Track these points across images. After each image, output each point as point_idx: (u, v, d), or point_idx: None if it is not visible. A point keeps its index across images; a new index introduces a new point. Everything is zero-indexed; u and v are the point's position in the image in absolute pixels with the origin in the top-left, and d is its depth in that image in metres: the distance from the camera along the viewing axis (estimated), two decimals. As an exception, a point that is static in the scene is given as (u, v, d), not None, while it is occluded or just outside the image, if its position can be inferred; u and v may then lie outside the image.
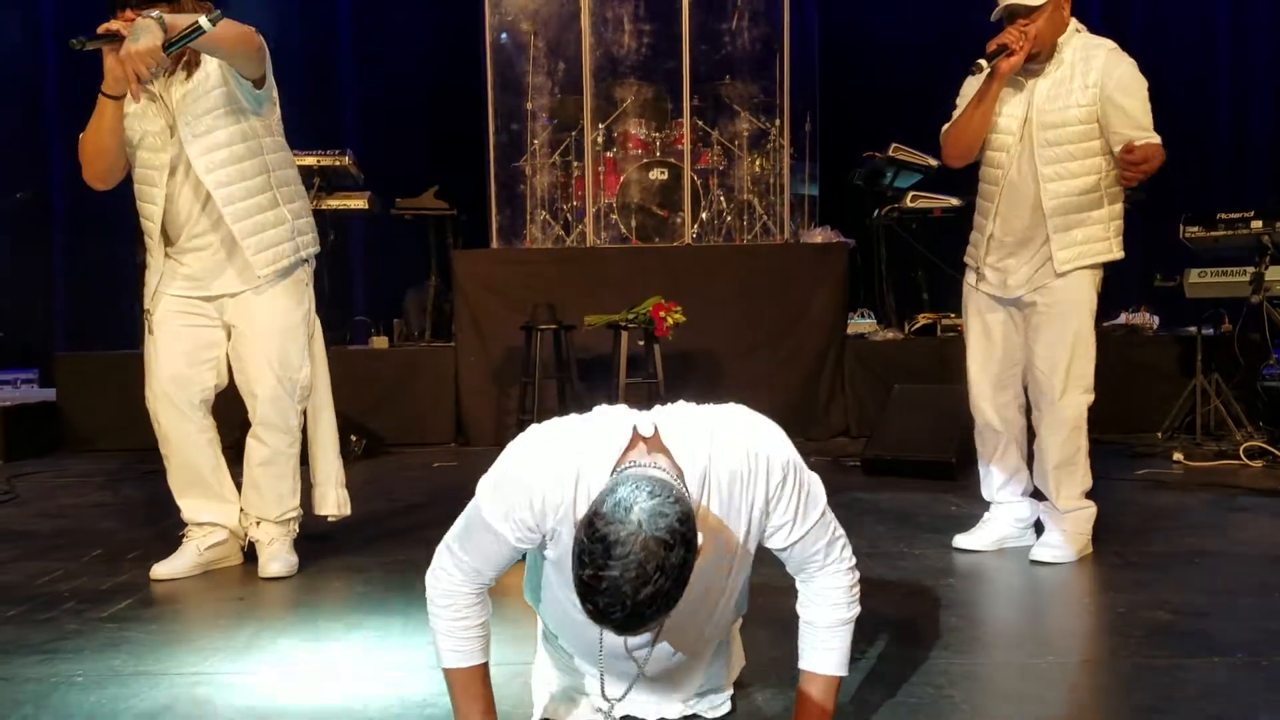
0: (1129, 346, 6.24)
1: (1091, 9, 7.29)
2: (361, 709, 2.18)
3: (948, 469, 4.73)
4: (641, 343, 5.78)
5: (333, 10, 8.20)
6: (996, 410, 3.39)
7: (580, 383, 5.90)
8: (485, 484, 1.79)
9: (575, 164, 6.82)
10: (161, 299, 3.20)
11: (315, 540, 3.51)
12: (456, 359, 6.28)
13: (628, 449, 1.69)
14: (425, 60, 8.01)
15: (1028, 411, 3.43)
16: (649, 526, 1.47)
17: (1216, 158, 7.87)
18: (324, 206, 6.43)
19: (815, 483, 1.84)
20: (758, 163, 6.91)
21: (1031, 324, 3.29)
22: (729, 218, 6.83)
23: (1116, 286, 3.36)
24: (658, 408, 1.86)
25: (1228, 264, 5.60)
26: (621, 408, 1.82)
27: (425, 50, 8.02)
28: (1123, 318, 6.58)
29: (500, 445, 6.06)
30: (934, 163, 6.51)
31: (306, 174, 6.11)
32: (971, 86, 3.35)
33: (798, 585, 1.87)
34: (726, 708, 2.11)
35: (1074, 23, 3.24)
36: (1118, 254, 3.27)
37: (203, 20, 2.67)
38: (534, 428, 1.81)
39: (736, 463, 1.73)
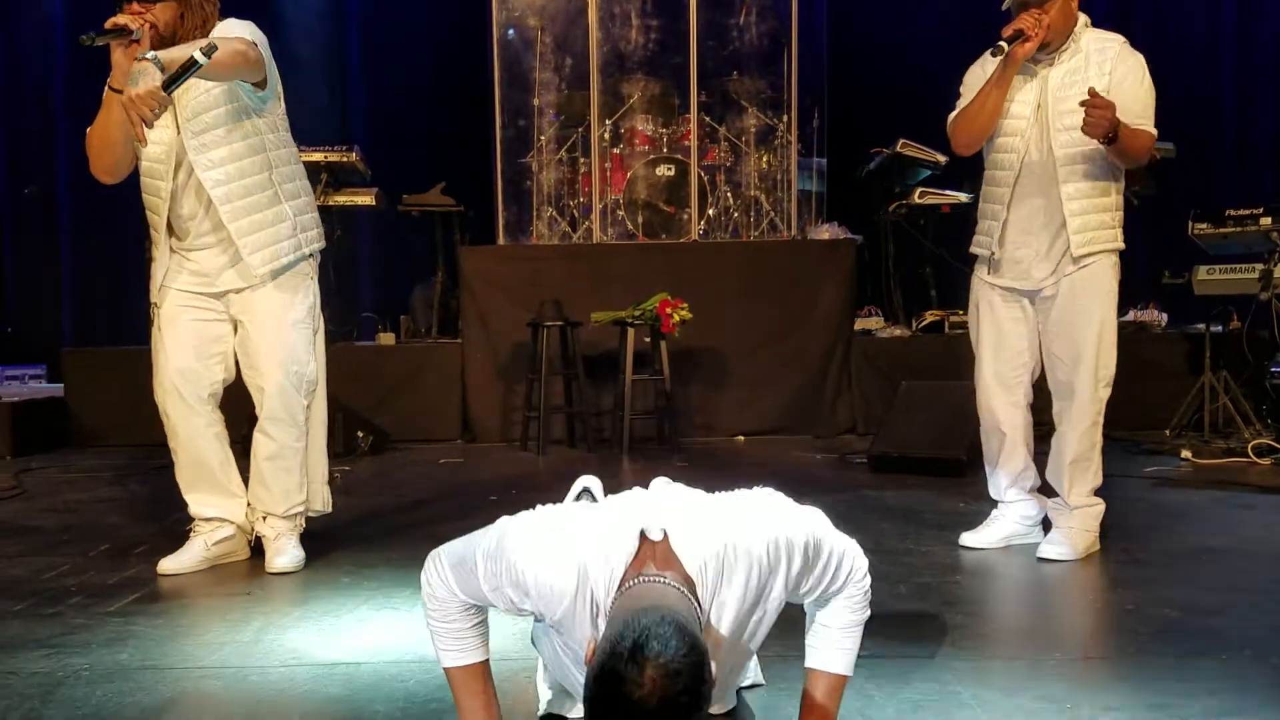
0: (1137, 343, 6.22)
1: (1097, 5, 7.26)
2: (367, 704, 2.18)
3: (955, 466, 4.72)
4: (648, 339, 5.78)
5: (341, 6, 8.21)
6: (1005, 410, 3.37)
7: (586, 379, 5.91)
8: (482, 550, 1.76)
9: (582, 160, 6.81)
10: (168, 293, 3.20)
11: (322, 536, 3.51)
12: (463, 355, 6.28)
13: (635, 558, 1.66)
14: (432, 56, 8.01)
15: (1033, 410, 3.42)
16: (662, 684, 1.44)
17: (1223, 155, 7.85)
18: (331, 202, 6.44)
19: (837, 548, 1.79)
20: (765, 159, 6.90)
21: (1052, 316, 3.27)
22: (736, 214, 6.82)
23: (1125, 283, 3.35)
24: (669, 497, 1.81)
25: (1236, 261, 5.59)
26: (631, 503, 1.76)
27: (432, 46, 8.02)
28: (1131, 315, 6.56)
29: (506, 442, 6.09)
30: (942, 159, 6.50)
31: (313, 170, 6.10)
32: (975, 75, 3.35)
33: None
34: (733, 700, 2.11)
35: (1083, 17, 3.25)
36: (1121, 244, 3.28)
37: (197, 54, 2.70)
38: (539, 516, 1.77)
39: (755, 564, 1.69)
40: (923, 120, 5.67)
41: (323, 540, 3.49)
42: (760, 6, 7.02)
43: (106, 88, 2.98)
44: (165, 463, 3.36)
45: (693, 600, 1.62)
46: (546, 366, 5.72)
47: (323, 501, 3.44)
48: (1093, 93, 3.05)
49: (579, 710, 2.07)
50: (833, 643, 1.82)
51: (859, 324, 6.46)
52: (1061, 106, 3.19)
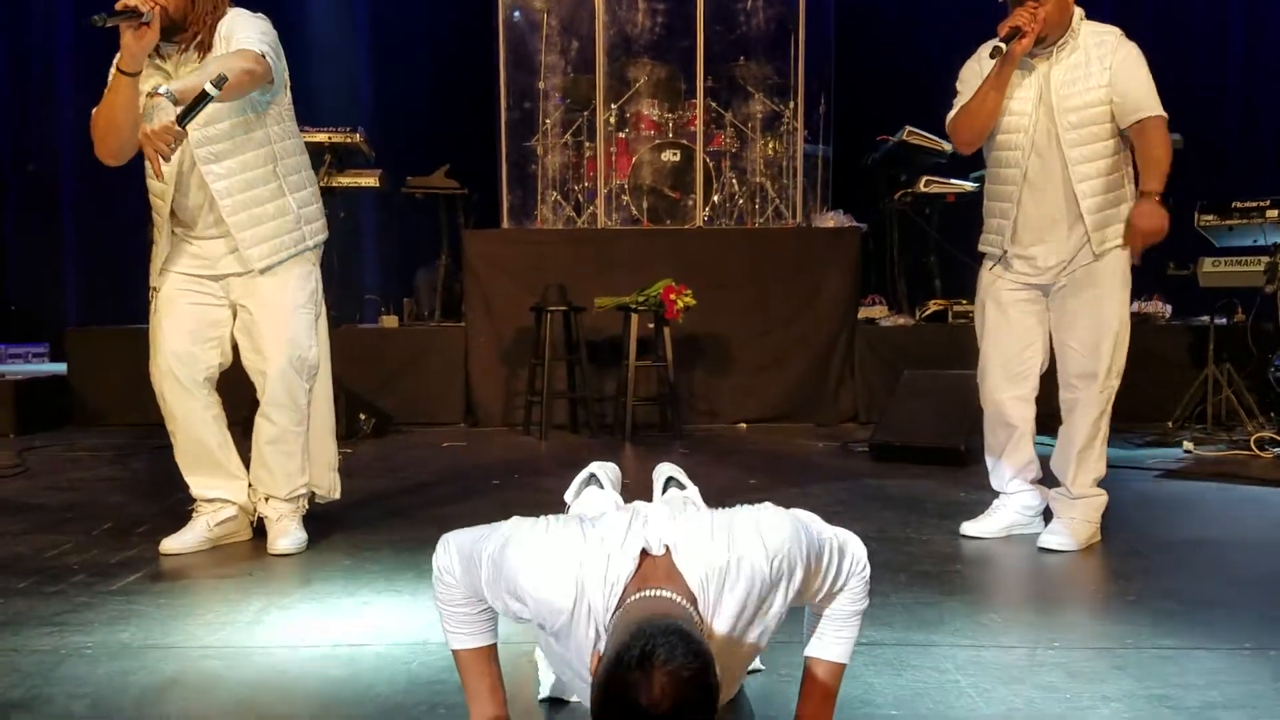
0: (1141, 335, 6.13)
1: (1104, 5, 7.23)
2: (369, 685, 2.19)
3: (956, 455, 4.73)
4: (651, 325, 5.78)
5: (346, -12, 8.19)
6: (1013, 404, 3.36)
7: (589, 364, 5.91)
8: (485, 553, 1.75)
9: (587, 144, 6.79)
10: (168, 276, 3.20)
11: (324, 518, 3.52)
12: (466, 339, 6.28)
13: (636, 574, 1.65)
14: (438, 38, 7.99)
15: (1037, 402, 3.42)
16: (671, 690, 1.44)
17: (1230, 147, 7.82)
18: (334, 184, 6.43)
19: (837, 549, 1.79)
20: (771, 145, 6.88)
21: (1068, 306, 3.27)
22: (741, 200, 6.80)
23: (1130, 274, 3.34)
24: (668, 506, 1.80)
25: (1242, 253, 5.57)
26: (635, 520, 1.74)
27: (438, 28, 7.99)
28: (1135, 306, 6.54)
29: (509, 426, 6.09)
30: (948, 147, 6.47)
31: (317, 151, 6.10)
32: (972, 71, 3.35)
33: None
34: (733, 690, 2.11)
35: (1078, 10, 3.23)
36: None
37: (207, 86, 2.75)
38: (544, 529, 1.76)
39: (756, 579, 1.69)
40: (930, 108, 5.65)
41: (325, 522, 3.50)
42: (767, -9, 7.00)
43: (114, 69, 2.95)
44: (167, 443, 3.36)
45: (694, 613, 1.62)
46: (550, 351, 5.72)
47: (329, 486, 3.45)
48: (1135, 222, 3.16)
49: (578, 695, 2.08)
50: (831, 631, 1.83)
51: (862, 312, 6.46)
52: (1067, 104, 3.18)
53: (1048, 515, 3.41)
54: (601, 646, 1.57)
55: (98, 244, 8.08)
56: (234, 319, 3.24)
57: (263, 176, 3.13)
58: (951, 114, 3.36)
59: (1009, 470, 3.43)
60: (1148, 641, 2.43)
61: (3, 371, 6.37)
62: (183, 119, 2.78)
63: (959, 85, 3.38)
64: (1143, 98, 3.17)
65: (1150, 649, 2.38)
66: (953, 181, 6.57)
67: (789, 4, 6.84)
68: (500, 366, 6.24)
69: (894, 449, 4.92)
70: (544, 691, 2.10)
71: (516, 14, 6.97)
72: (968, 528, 3.44)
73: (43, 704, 2.08)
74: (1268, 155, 7.75)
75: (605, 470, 2.79)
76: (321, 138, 6.32)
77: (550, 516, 1.80)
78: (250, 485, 3.32)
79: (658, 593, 1.62)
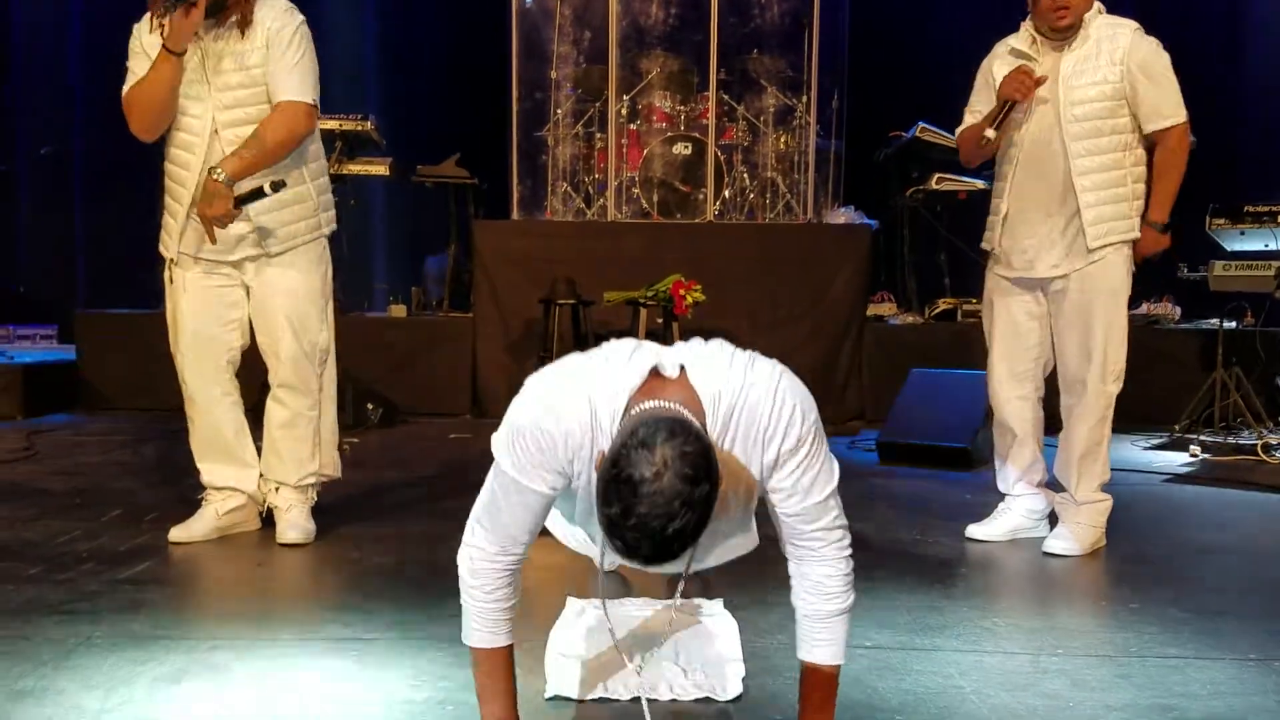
0: (1150, 336, 6.20)
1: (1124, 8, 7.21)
2: (377, 679, 2.20)
3: (963, 456, 4.73)
4: (660, 320, 5.78)
5: (359, -27, 8.18)
6: (1015, 404, 3.38)
7: (597, 357, 5.90)
8: (500, 443, 1.78)
9: (598, 135, 6.78)
10: (186, 260, 3.21)
11: (332, 509, 3.53)
12: (474, 330, 6.29)
13: (644, 387, 1.68)
14: (450, 26, 7.98)
15: (1044, 404, 3.42)
16: (674, 463, 1.48)
17: (1246, 150, 7.78)
18: (345, 171, 6.44)
19: (829, 461, 1.81)
20: (783, 140, 6.87)
21: (1064, 310, 3.27)
22: (752, 195, 6.79)
23: (1140, 275, 3.34)
24: (690, 343, 1.82)
25: (1253, 257, 5.56)
26: (645, 345, 1.78)
27: (450, 15, 7.98)
28: (1145, 307, 6.54)
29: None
30: (960, 144, 6.46)
31: (328, 138, 6.09)
32: (984, 75, 3.36)
33: (790, 568, 1.84)
34: (738, 690, 2.12)
35: (1097, 3, 3.22)
36: (1139, 235, 3.25)
37: (266, 187, 3.04)
38: (537, 374, 1.79)
39: (761, 410, 1.70)
40: (943, 105, 5.64)
41: (333, 514, 3.51)
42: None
43: (162, 48, 2.99)
44: (176, 428, 3.38)
45: (702, 426, 1.63)
46: (558, 344, 5.73)
47: (330, 465, 3.46)
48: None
49: (589, 692, 2.10)
50: (823, 634, 1.83)
51: (871, 309, 6.45)
52: (1073, 96, 3.17)
53: (1054, 519, 3.41)
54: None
55: (108, 228, 8.09)
56: (248, 300, 3.26)
57: (286, 165, 3.15)
58: (960, 129, 3.40)
59: (1014, 472, 3.43)
60: (1152, 650, 2.44)
61: (11, 355, 6.39)
62: (240, 203, 3.03)
63: (973, 96, 3.42)
64: (1163, 102, 3.16)
65: (1154, 658, 2.39)
66: (965, 179, 6.56)
67: (804, -2, 6.82)
68: (507, 358, 6.24)
69: (900, 448, 4.93)
70: (550, 691, 2.11)
71: (529, 1, 6.95)
72: (973, 530, 3.45)
73: (54, 695, 2.09)
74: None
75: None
76: (332, 125, 6.32)
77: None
78: (261, 476, 3.33)
79: (665, 403, 1.64)
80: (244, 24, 3.07)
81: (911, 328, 6.45)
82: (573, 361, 1.80)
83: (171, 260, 3.21)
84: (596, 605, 2.55)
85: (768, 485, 1.77)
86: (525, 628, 2.41)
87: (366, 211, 7.71)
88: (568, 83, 6.99)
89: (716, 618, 2.50)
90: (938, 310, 6.54)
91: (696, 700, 2.10)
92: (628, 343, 1.79)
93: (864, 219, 6.54)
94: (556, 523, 2.24)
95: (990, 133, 3.19)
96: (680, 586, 1.99)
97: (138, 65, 3.09)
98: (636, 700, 2.07)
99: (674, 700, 2.09)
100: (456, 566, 1.84)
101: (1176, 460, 5.01)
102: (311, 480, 3.33)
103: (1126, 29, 3.19)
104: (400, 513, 3.72)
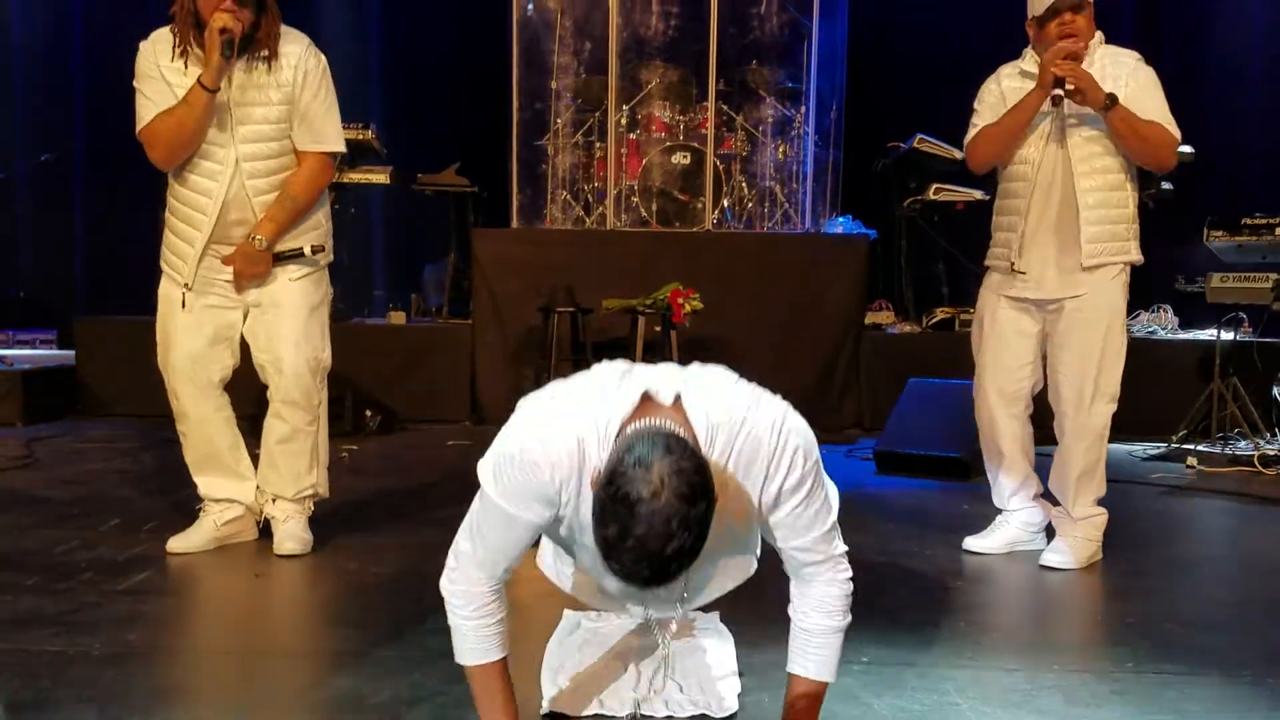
0: (1148, 347, 6.22)
1: (1125, 15, 7.22)
2: (374, 692, 2.21)
3: (961, 466, 4.74)
4: (658, 328, 5.79)
5: (361, -18, 8.20)
6: (1005, 422, 3.38)
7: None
8: (487, 470, 1.76)
9: (598, 145, 6.80)
10: (196, 285, 3.22)
11: (329, 519, 3.54)
12: (473, 337, 6.30)
13: (635, 413, 1.65)
14: (451, 35, 7.99)
15: (1033, 419, 3.43)
16: (670, 480, 1.47)
17: (1249, 162, 7.80)
18: (345, 180, 6.45)
19: (829, 496, 1.82)
20: (781, 150, 6.89)
21: (1060, 329, 3.28)
22: (750, 204, 6.81)
23: (1139, 286, 3.35)
24: (691, 369, 1.80)
25: (1251, 269, 5.57)
26: (636, 369, 1.76)
27: (451, 25, 7.99)
28: (1143, 318, 6.56)
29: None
30: (959, 155, 6.47)
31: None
32: (990, 93, 3.39)
33: (791, 586, 1.86)
34: (734, 706, 2.13)
35: (1099, 33, 3.26)
36: (1137, 257, 3.28)
37: (306, 250, 3.20)
38: (525, 401, 1.78)
39: (764, 448, 1.69)
40: (941, 116, 5.66)
41: (330, 523, 3.51)
42: (782, -3, 7.00)
43: (198, 85, 3.00)
44: (174, 436, 3.38)
45: (697, 444, 1.62)
46: (556, 352, 5.74)
47: (323, 485, 3.46)
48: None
49: (585, 707, 2.10)
50: (814, 648, 1.84)
51: (869, 318, 6.46)
52: (1079, 118, 3.20)
53: (1051, 531, 3.42)
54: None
55: (108, 233, 8.10)
56: (244, 321, 3.27)
57: None
58: (970, 135, 3.39)
59: (1009, 486, 3.44)
60: (1147, 665, 2.44)
61: (11, 360, 6.39)
62: (277, 259, 3.17)
63: (977, 105, 3.40)
64: (1159, 119, 3.18)
65: (1150, 673, 2.40)
66: (962, 190, 6.58)
67: (802, 9, 6.84)
68: (506, 365, 6.25)
69: (898, 458, 4.93)
70: (545, 706, 2.12)
71: (530, 8, 6.97)
72: (970, 543, 3.46)
73: (51, 707, 2.10)
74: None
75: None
76: (333, 133, 6.32)
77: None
78: (258, 487, 3.34)
79: (657, 421, 1.61)
80: (273, 58, 3.10)
81: (909, 337, 6.46)
82: (562, 388, 1.78)
83: (186, 286, 3.21)
84: (592, 619, 2.56)
85: (768, 519, 1.77)
86: (521, 642, 2.41)
87: (366, 219, 7.72)
88: (568, 92, 7.01)
89: (712, 633, 2.51)
90: (935, 319, 6.56)
91: (692, 717, 2.10)
92: (618, 366, 1.78)
93: (862, 228, 6.56)
94: (547, 562, 2.23)
95: (1059, 92, 3.12)
96: (673, 629, 1.99)
97: (154, 92, 3.07)
98: (633, 716, 2.07)
99: (670, 716, 2.10)
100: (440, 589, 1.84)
101: (1174, 471, 5.02)
102: (309, 493, 3.33)
103: (1130, 58, 3.23)
104: (398, 521, 3.73)
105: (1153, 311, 6.59)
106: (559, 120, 6.92)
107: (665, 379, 1.72)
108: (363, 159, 6.67)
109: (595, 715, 2.10)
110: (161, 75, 3.07)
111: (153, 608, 2.72)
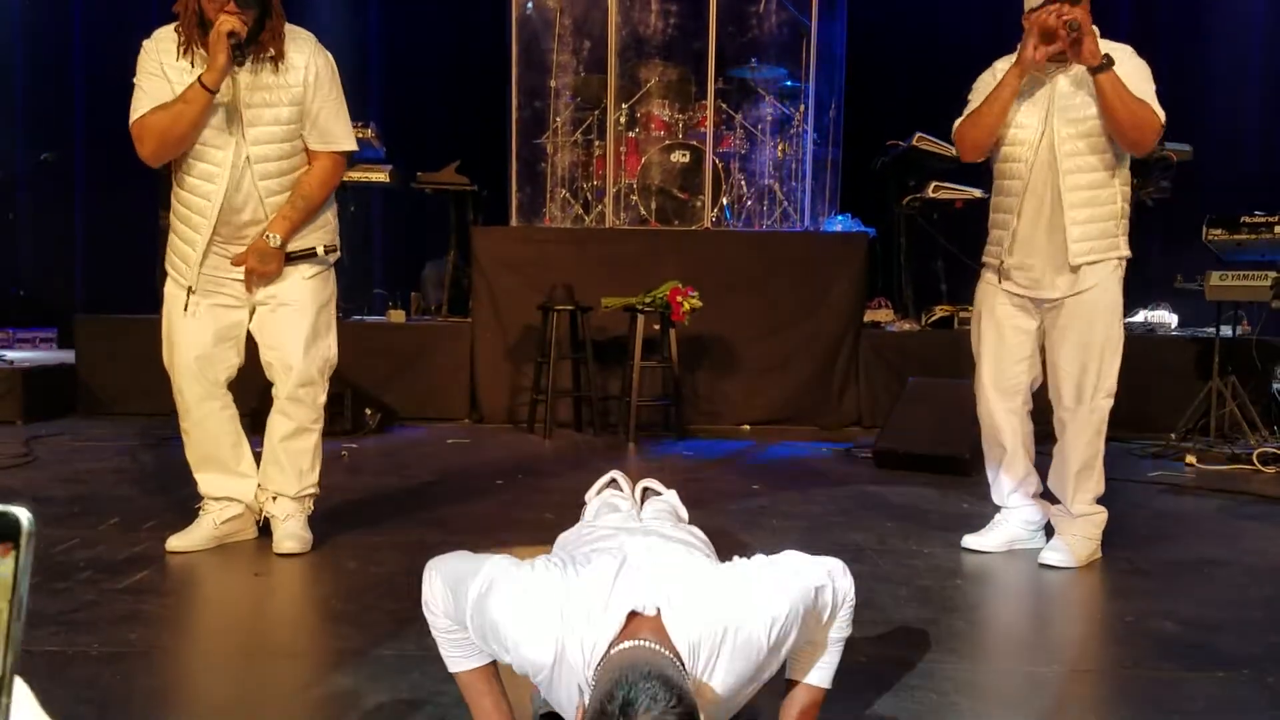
0: (1146, 345, 6.23)
1: (1121, 14, 7.22)
2: (373, 693, 2.21)
3: (960, 464, 4.74)
4: (657, 326, 5.79)
5: (360, -19, 8.20)
6: (1004, 417, 3.39)
7: (595, 364, 5.92)
8: (471, 595, 1.74)
9: (597, 143, 6.80)
10: (200, 285, 3.22)
11: (329, 518, 3.54)
12: (473, 335, 6.30)
13: (621, 634, 1.64)
14: (451, 34, 8.00)
15: (1033, 415, 3.43)
16: None
17: (1248, 159, 7.81)
18: (345, 178, 6.42)
19: (836, 593, 1.79)
20: (780, 148, 6.89)
21: (1058, 325, 3.28)
22: (749, 203, 6.81)
23: (1137, 284, 3.35)
24: (668, 564, 1.76)
25: (1250, 267, 5.58)
26: (626, 571, 1.72)
27: (450, 23, 8.00)
28: (1142, 316, 6.56)
29: (513, 423, 6.12)
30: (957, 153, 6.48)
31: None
32: (985, 83, 3.37)
33: None
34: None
35: (1094, 28, 3.25)
36: (1126, 251, 3.28)
37: (319, 250, 3.23)
38: (522, 578, 1.74)
39: (756, 643, 1.68)
40: (940, 114, 5.65)
41: (330, 522, 3.52)
42: (781, -5, 7.00)
43: (198, 84, 2.99)
44: (173, 435, 3.38)
45: (680, 666, 1.61)
46: (555, 350, 5.74)
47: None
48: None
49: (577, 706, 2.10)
50: (815, 657, 1.84)
51: (868, 316, 6.47)
52: (1068, 115, 3.20)
53: (1050, 530, 3.42)
54: (587, 699, 1.56)
55: (108, 231, 8.11)
56: (250, 319, 3.27)
57: None
58: (959, 121, 3.38)
59: (1008, 483, 3.45)
60: (1146, 664, 2.45)
61: (11, 358, 6.39)
62: (290, 259, 3.18)
63: (971, 96, 3.40)
64: (1146, 98, 3.18)
65: (1148, 672, 2.40)
66: (961, 188, 6.58)
67: (801, 8, 6.84)
68: (506, 363, 6.26)
69: (897, 456, 4.94)
70: (541, 707, 2.12)
71: (529, 6, 6.97)
72: (969, 541, 3.46)
73: (51, 707, 2.09)
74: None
75: (623, 478, 2.79)
76: (333, 132, 6.32)
77: (535, 561, 1.78)
78: (259, 485, 3.34)
79: (643, 644, 1.60)
80: (279, 57, 3.09)
81: (908, 335, 6.47)
82: (555, 585, 1.72)
83: (191, 289, 3.20)
84: None
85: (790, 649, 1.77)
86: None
87: (366, 217, 7.72)
88: (567, 91, 7.01)
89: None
90: (934, 317, 6.56)
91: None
92: (611, 565, 1.73)
93: (861, 227, 6.56)
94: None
95: (1070, 19, 3.07)
96: None
97: (152, 88, 3.06)
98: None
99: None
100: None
101: (1173, 470, 5.02)
102: (310, 491, 3.33)
103: (1123, 51, 3.22)
104: (398, 520, 3.73)
105: (1151, 310, 6.59)
106: (558, 119, 6.92)
107: (650, 589, 1.68)
108: (362, 157, 6.66)
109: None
110: (164, 73, 3.06)
111: (152, 607, 2.72)
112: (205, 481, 3.32)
